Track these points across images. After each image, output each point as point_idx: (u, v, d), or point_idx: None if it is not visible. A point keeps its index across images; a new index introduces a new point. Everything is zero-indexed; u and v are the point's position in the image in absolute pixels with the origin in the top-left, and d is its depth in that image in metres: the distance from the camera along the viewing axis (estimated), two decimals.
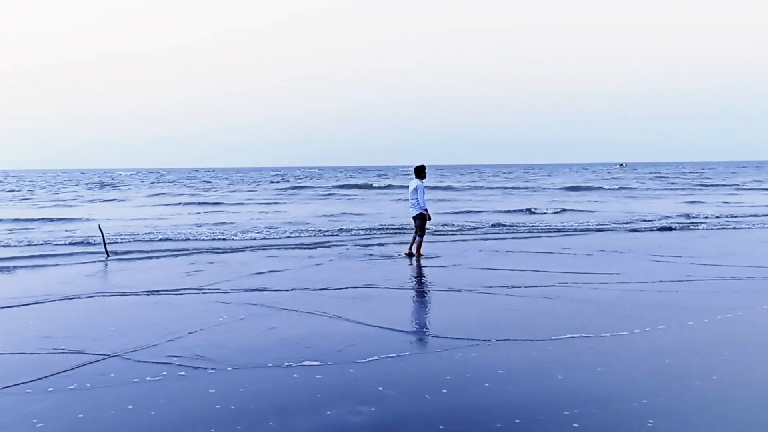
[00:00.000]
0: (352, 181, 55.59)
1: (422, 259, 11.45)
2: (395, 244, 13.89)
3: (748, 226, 17.24)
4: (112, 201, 34.17)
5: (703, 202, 28.02)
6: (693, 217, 20.35)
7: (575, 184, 47.67)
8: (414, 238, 11.87)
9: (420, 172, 11.82)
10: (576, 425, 4.03)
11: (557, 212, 23.49)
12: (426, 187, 12.12)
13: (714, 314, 6.91)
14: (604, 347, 5.70)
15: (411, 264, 11.02)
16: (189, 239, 15.32)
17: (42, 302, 7.96)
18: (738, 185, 44.60)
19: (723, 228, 16.96)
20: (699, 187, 42.71)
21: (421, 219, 11.64)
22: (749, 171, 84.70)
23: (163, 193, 41.54)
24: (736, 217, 20.56)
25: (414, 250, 11.81)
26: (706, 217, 20.31)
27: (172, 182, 63.43)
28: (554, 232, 16.41)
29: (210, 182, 62.45)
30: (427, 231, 12.48)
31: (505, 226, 18.08)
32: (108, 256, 12.27)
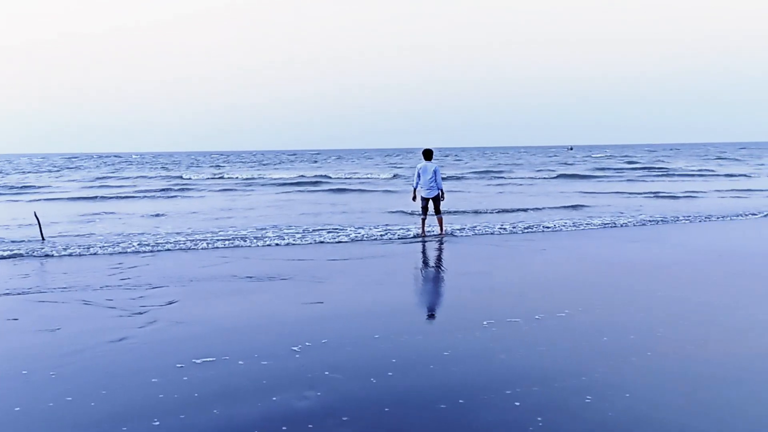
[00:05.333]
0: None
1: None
2: None
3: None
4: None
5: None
6: None
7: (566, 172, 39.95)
8: (423, 220, 12.50)
9: (430, 154, 12.68)
10: (517, 403, 4.15)
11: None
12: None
13: (649, 294, 7.20)
14: (546, 328, 5.86)
15: (423, 241, 11.83)
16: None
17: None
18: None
19: None
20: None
21: (436, 199, 12.44)
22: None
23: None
24: None
25: (424, 230, 12.39)
26: None
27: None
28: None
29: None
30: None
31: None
32: (44, 239, 12.24)
